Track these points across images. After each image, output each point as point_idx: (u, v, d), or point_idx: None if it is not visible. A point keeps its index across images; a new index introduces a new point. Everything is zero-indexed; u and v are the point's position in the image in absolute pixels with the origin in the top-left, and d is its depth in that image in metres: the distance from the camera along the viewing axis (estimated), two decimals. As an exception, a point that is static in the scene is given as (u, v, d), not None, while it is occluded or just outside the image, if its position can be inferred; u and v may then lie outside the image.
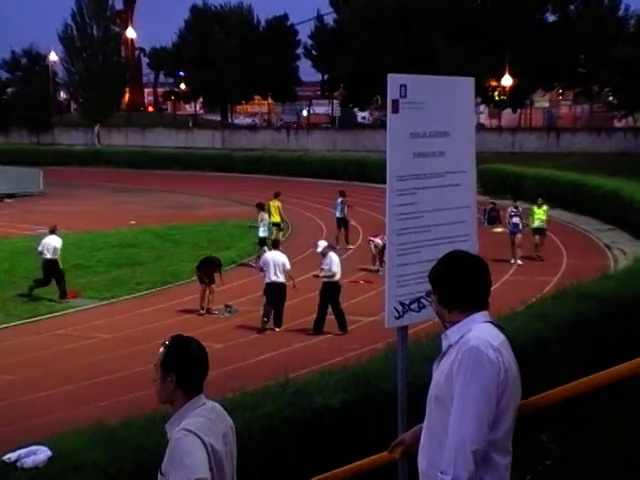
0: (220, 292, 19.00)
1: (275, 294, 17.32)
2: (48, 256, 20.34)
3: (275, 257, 17.63)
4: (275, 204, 26.81)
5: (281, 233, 26.27)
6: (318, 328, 16.82)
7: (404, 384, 5.18)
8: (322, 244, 17.55)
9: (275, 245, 18.72)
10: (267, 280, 17.43)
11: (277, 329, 17.29)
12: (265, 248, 24.04)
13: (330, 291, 16.84)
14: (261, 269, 17.88)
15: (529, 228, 24.28)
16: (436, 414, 3.62)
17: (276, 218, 26.70)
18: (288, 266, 17.69)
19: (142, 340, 16.12)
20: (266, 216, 24.92)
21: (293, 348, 15.89)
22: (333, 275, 16.88)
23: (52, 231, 20.93)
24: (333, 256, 17.11)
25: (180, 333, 3.93)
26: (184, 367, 3.75)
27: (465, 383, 3.43)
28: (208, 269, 18.88)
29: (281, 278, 17.41)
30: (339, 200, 27.82)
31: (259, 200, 26.26)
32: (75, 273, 22.62)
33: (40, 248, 20.61)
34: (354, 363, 8.33)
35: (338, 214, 27.63)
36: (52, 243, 20.46)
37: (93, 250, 26.29)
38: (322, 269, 17.12)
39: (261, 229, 24.59)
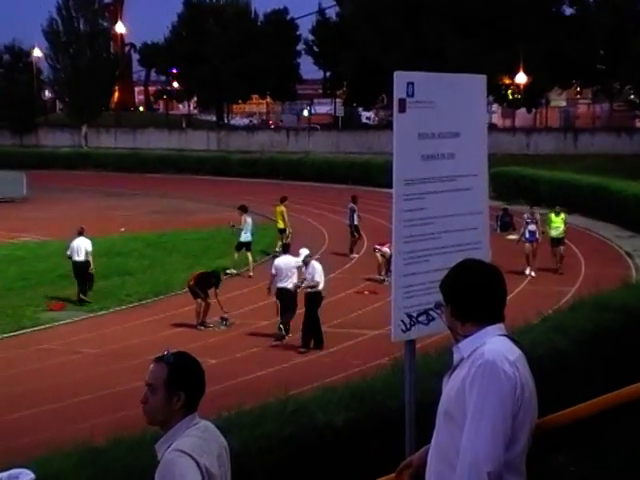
0: (215, 304, 19.00)
1: (285, 299, 17.61)
2: (79, 258, 21.60)
3: (287, 262, 17.92)
4: (280, 209, 26.93)
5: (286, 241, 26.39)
6: (319, 342, 16.88)
7: (412, 401, 5.18)
8: (303, 252, 17.77)
9: (285, 250, 18.87)
10: (278, 285, 17.79)
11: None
12: (245, 253, 24.24)
13: (314, 302, 16.98)
14: (273, 275, 18.16)
15: (546, 235, 24.10)
16: (446, 430, 3.61)
17: (280, 224, 26.82)
18: (301, 264, 18.13)
19: (132, 355, 16.10)
20: (249, 220, 25.05)
21: (294, 363, 15.89)
22: (316, 285, 17.04)
23: (80, 233, 22.13)
24: (316, 265, 17.38)
25: (169, 348, 3.91)
26: (194, 385, 3.74)
27: (480, 399, 3.41)
28: (205, 285, 18.93)
29: (290, 284, 17.65)
30: (349, 206, 27.85)
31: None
32: (60, 284, 22.66)
33: (69, 252, 21.84)
34: (358, 379, 8.32)
35: (348, 220, 27.60)
36: (82, 245, 21.71)
37: (80, 259, 26.26)
38: (304, 279, 17.30)
39: (243, 233, 24.68)
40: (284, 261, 18.01)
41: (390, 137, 5.07)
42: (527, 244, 23.67)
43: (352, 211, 27.47)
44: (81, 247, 21.63)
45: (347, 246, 26.95)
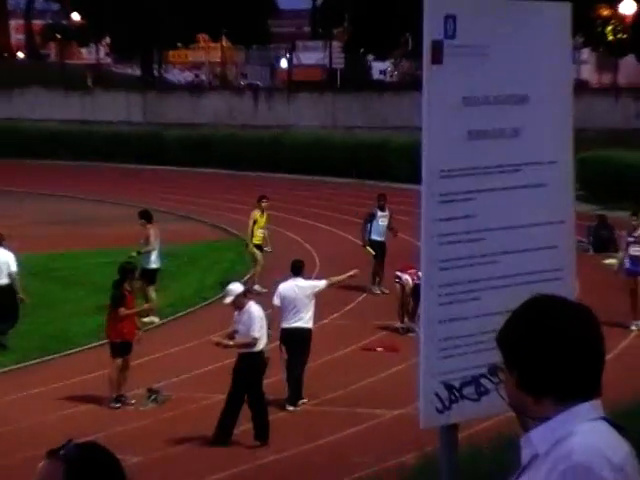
0: (138, 367, 19.01)
1: (296, 346, 17.78)
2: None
3: (301, 287, 18.29)
4: (253, 214, 27.09)
5: (258, 266, 26.54)
6: (262, 433, 16.41)
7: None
8: (234, 289, 17.18)
9: (297, 270, 18.78)
10: (284, 325, 18.02)
11: (291, 408, 17.81)
12: (147, 288, 24.31)
13: (254, 370, 16.72)
14: (278, 308, 18.43)
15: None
16: None
17: (256, 238, 26.96)
18: (322, 285, 18.80)
19: (7, 450, 16.08)
20: (155, 233, 24.73)
21: (262, 463, 15.85)
22: (253, 343, 16.77)
23: None
24: (254, 310, 16.90)
25: (70, 438, 3.91)
26: None
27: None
28: (123, 297, 19.16)
29: (305, 321, 18.00)
30: (377, 212, 27.50)
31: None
32: None
33: None
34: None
35: (376, 235, 27.18)
36: (3, 259, 22.02)
37: None
38: (236, 331, 17.12)
39: (149, 256, 24.68)
40: (295, 285, 18.25)
41: (417, 102, 5.09)
42: (629, 278, 23.19)
43: (371, 217, 27.22)
44: (2, 264, 21.93)
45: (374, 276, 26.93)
